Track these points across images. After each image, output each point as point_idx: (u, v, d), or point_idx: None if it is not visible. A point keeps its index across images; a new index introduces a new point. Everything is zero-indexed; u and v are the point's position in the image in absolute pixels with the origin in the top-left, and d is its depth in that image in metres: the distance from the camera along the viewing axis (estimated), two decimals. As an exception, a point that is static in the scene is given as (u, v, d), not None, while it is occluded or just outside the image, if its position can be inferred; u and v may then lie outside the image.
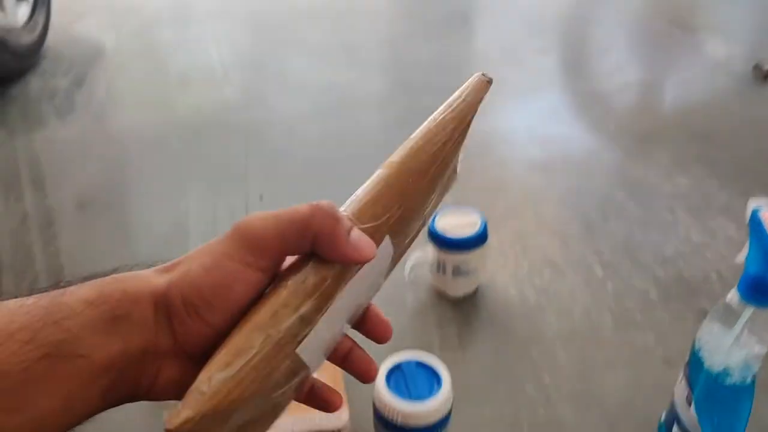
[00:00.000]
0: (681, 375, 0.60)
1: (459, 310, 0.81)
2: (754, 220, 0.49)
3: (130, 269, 0.33)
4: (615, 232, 0.92)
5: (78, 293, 0.30)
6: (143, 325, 0.31)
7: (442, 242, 0.77)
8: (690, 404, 0.58)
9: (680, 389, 0.60)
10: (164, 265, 0.33)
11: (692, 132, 1.15)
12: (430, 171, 0.38)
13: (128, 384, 0.31)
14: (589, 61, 1.43)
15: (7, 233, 0.94)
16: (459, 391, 0.65)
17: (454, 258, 0.77)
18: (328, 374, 0.65)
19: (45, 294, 0.30)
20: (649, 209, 0.96)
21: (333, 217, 0.33)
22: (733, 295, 0.52)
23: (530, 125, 1.17)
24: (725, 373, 0.54)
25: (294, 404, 0.62)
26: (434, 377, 0.62)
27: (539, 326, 0.79)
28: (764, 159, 1.07)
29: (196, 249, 0.34)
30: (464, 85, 0.40)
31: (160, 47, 1.48)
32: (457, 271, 0.79)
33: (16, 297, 0.30)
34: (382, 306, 0.83)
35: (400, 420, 0.60)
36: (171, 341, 0.31)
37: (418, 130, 0.39)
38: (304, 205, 0.33)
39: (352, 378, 0.71)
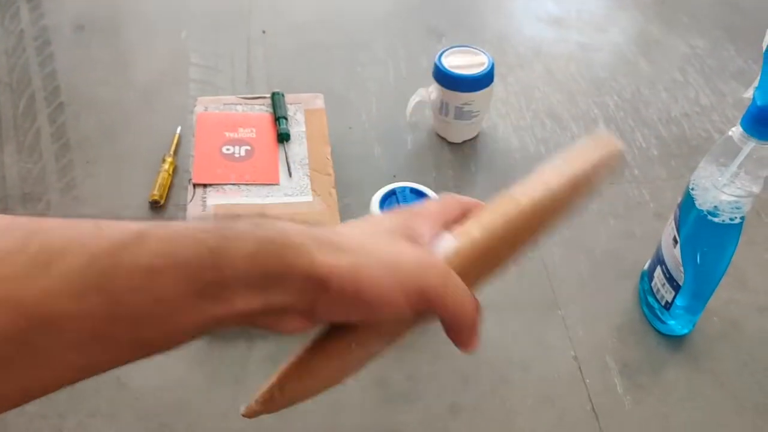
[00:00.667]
0: (671, 219, 0.61)
1: (458, 153, 0.81)
2: (770, 49, 0.48)
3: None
4: (623, 88, 0.90)
5: (242, 248, 0.28)
6: (289, 295, 0.29)
7: (447, 80, 0.75)
8: (675, 244, 0.59)
9: (667, 232, 0.61)
10: (328, 234, 0.31)
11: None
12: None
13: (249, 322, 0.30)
14: None
15: (2, 52, 0.92)
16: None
17: (458, 98, 0.76)
18: (326, 199, 0.66)
19: (211, 232, 0.28)
20: (661, 68, 0.94)
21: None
22: (735, 129, 0.51)
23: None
24: (715, 211, 0.55)
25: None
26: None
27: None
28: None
29: (365, 227, 0.34)
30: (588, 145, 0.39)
31: None
32: (460, 114, 0.78)
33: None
34: (381, 145, 0.83)
35: None
36: (309, 308, 0.30)
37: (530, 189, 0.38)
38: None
39: (348, 208, 0.72)
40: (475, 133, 0.82)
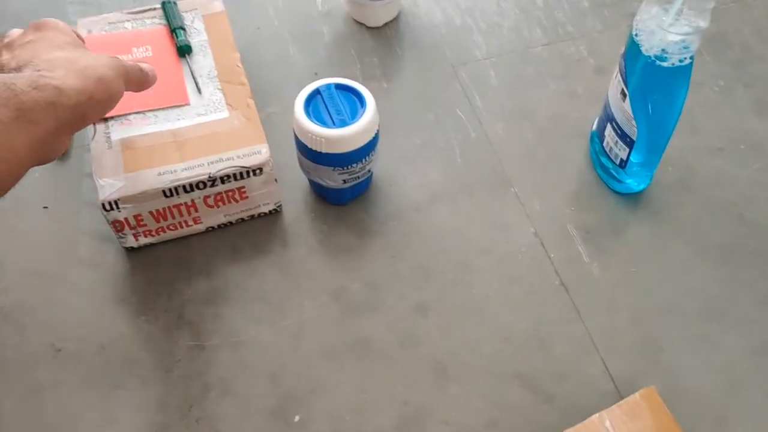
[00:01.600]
0: (615, 72, 0.57)
1: (380, 38, 0.74)
2: None
3: None
4: (544, -60, 0.83)
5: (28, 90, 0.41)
6: (66, 114, 0.44)
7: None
8: (624, 98, 0.55)
9: (614, 86, 0.57)
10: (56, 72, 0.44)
11: None
12: None
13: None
14: None
15: None
16: (386, 122, 0.61)
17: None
18: (245, 111, 0.59)
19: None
20: None
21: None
22: (675, -40, 0.46)
23: None
24: (663, 55, 0.51)
25: (209, 142, 0.57)
26: (356, 99, 0.57)
27: (467, 48, 0.73)
28: None
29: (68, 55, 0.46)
30: None
31: None
32: (375, -6, 0.71)
33: None
34: (295, 41, 0.75)
35: (324, 148, 0.56)
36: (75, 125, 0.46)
37: None
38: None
39: (271, 118, 0.66)
40: (395, 13, 0.75)
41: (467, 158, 0.64)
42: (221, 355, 0.53)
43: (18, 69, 0.43)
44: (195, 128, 0.58)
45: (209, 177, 0.55)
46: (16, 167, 0.41)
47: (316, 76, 0.70)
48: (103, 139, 0.57)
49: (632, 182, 0.60)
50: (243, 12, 0.76)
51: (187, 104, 0.59)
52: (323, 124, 0.55)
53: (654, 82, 0.53)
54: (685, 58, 0.51)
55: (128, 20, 0.66)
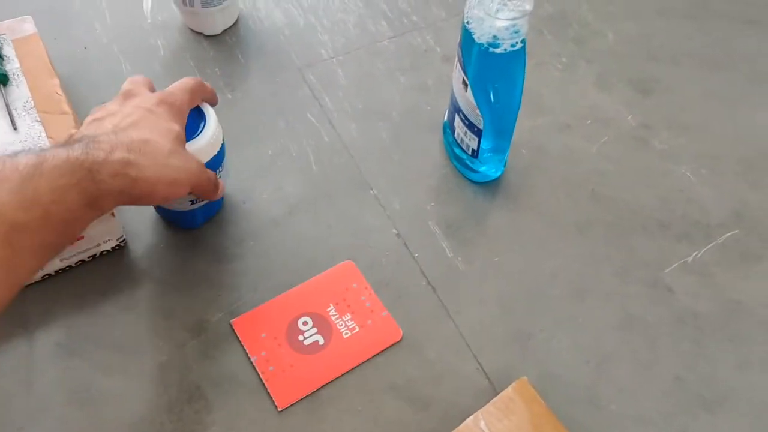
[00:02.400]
0: (455, 62, 0.56)
1: (220, 46, 0.70)
2: None
3: None
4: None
5: (105, 170, 0.42)
6: (124, 201, 0.45)
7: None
8: (466, 87, 0.54)
9: (456, 77, 0.56)
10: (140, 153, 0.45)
11: None
12: None
13: None
14: None
15: None
16: (233, 134, 0.58)
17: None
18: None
19: (82, 157, 0.41)
20: None
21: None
22: (490, -53, 0.45)
23: None
24: (495, 41, 0.50)
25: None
26: (196, 114, 0.53)
27: (313, 48, 0.71)
28: None
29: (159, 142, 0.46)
30: None
31: None
32: (207, 0, 0.67)
33: None
34: (128, 58, 0.70)
35: None
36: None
37: None
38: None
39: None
40: (234, 19, 0.72)
41: (323, 164, 0.62)
42: (71, 413, 0.48)
43: (111, 150, 0.43)
44: (12, 168, 0.52)
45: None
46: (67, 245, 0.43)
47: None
48: None
49: (487, 169, 0.60)
50: (65, 31, 0.70)
51: None
52: None
53: (491, 69, 0.52)
54: (517, 43, 0.51)
55: (-77, 54, 0.58)
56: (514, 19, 0.49)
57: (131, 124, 0.46)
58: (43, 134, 0.54)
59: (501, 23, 0.49)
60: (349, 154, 0.63)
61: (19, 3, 0.71)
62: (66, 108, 0.56)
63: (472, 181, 0.61)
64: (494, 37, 0.50)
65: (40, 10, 0.67)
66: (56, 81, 0.58)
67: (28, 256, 0.39)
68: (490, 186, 0.61)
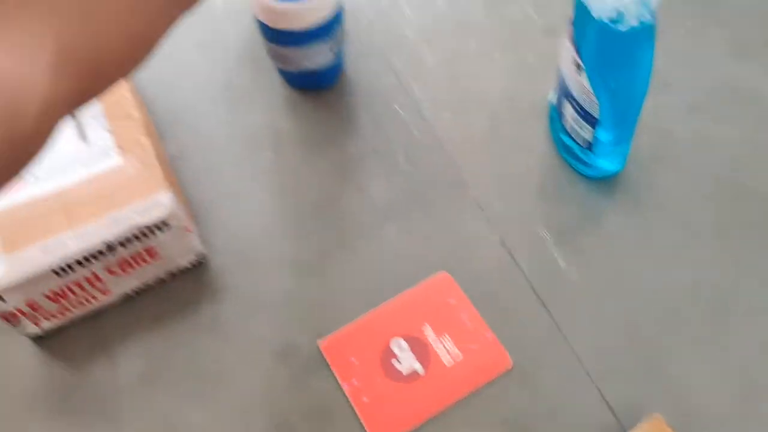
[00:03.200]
0: (564, 39, 0.48)
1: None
2: None
3: None
4: None
5: None
6: None
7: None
8: (580, 70, 0.46)
9: (565, 58, 0.48)
10: None
11: None
12: None
13: None
14: None
15: None
16: (313, 134, 0.52)
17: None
18: (138, 153, 0.50)
19: None
20: None
21: None
22: None
23: None
24: (618, 17, 0.42)
25: (101, 200, 0.48)
26: None
27: (397, 28, 0.63)
28: None
29: None
30: None
31: None
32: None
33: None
34: (201, 46, 0.64)
35: (314, 17, 0.52)
36: None
37: None
38: None
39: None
40: None
41: (414, 162, 0.56)
42: (155, 450, 0.45)
43: None
44: (83, 184, 0.48)
45: (105, 245, 0.46)
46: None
47: (228, 87, 0.61)
48: (-26, 215, 0.48)
49: (604, 164, 0.52)
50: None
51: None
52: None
53: (612, 50, 0.44)
54: (646, 17, 0.42)
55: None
56: (643, -11, 0.40)
57: None
58: (113, 144, 0.50)
59: (626, -5, 0.41)
60: (442, 149, 0.56)
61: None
62: (134, 112, 0.52)
63: (586, 177, 0.53)
64: (617, 11, 0.42)
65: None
66: (127, 83, 0.54)
67: None
68: (607, 182, 0.53)
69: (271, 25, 0.54)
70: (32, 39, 0.24)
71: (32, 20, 0.24)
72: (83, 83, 0.26)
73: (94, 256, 0.46)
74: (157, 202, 0.47)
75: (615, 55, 0.44)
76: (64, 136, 0.51)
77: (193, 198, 0.55)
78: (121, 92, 0.53)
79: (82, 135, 0.51)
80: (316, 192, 0.54)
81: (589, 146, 0.50)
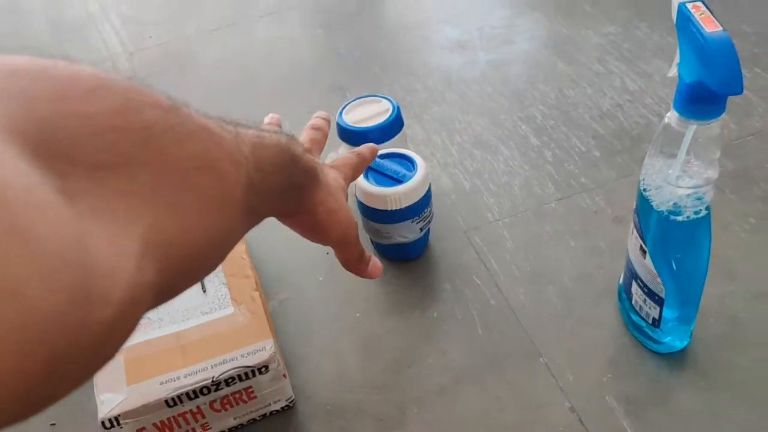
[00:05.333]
0: (631, 226, 0.54)
1: (390, 210, 0.73)
2: (682, 16, 0.41)
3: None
4: (545, 95, 0.84)
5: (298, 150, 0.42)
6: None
7: (353, 136, 0.68)
8: (645, 254, 0.52)
9: (632, 243, 0.54)
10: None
11: (614, -21, 1.06)
12: None
13: None
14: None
15: None
16: (400, 298, 0.58)
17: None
18: (250, 306, 0.57)
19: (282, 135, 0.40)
20: (579, 64, 0.88)
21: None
22: (671, 115, 0.44)
23: (438, 4, 1.07)
24: (676, 209, 0.48)
25: (213, 343, 0.55)
26: (403, 159, 0.64)
27: (479, 211, 0.71)
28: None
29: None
30: None
31: None
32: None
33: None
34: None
35: (402, 203, 0.61)
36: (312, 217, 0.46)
37: None
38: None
39: (284, 304, 0.64)
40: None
41: (489, 329, 0.60)
42: None
43: (305, 151, 0.44)
44: (199, 329, 0.56)
45: (213, 381, 0.52)
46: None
47: (328, 255, 0.69)
48: (106, 351, 0.55)
49: (671, 340, 0.55)
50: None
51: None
52: (391, 185, 0.61)
53: (672, 237, 0.49)
54: (701, 210, 0.48)
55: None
56: (696, 186, 0.47)
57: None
58: (228, 296, 0.58)
59: (682, 191, 0.47)
60: (516, 320, 0.61)
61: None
62: (249, 272, 0.61)
63: (654, 352, 0.56)
64: (675, 204, 0.48)
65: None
66: (243, 247, 0.63)
67: (245, 217, 0.33)
68: (675, 358, 0.55)
69: (367, 204, 0.63)
70: (126, 228, 0.23)
71: (129, 209, 0.24)
72: (167, 277, 0.26)
73: (202, 391, 0.52)
74: (260, 347, 0.54)
75: (675, 242, 0.50)
76: (189, 289, 0.59)
77: (288, 348, 0.61)
78: (239, 254, 0.62)
79: (203, 288, 0.59)
80: (399, 351, 0.60)
81: (656, 323, 0.54)
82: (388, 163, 0.64)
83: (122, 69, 1.02)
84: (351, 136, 0.68)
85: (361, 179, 0.62)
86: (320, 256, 0.69)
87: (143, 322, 0.57)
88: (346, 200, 0.48)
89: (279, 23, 1.09)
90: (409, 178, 0.62)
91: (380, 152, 0.64)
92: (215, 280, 0.60)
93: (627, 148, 0.75)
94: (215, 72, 1.00)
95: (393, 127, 0.68)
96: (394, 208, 0.62)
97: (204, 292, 0.59)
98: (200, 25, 1.10)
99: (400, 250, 0.66)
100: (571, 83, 0.85)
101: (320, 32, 1.05)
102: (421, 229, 0.65)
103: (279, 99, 0.92)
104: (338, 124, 0.69)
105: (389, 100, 0.70)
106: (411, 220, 0.63)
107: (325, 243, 0.49)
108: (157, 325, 0.57)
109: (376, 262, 0.52)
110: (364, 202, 0.63)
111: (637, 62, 0.87)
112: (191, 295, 0.59)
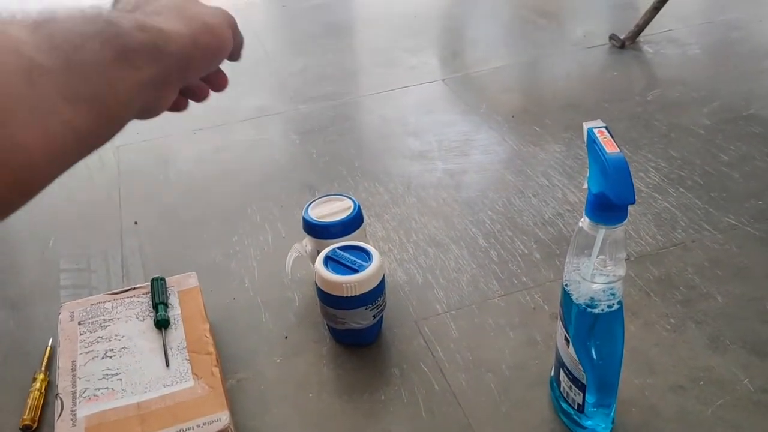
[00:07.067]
0: (558, 320, 0.60)
1: (347, 300, 0.79)
2: (590, 138, 0.50)
3: None
4: (494, 203, 0.93)
5: (128, 24, 0.36)
6: (170, 61, 0.38)
7: (316, 230, 0.75)
8: (568, 344, 0.58)
9: (559, 333, 0.60)
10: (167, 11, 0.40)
11: (562, 104, 1.18)
12: None
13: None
14: (461, 53, 1.46)
15: None
16: (350, 382, 0.62)
17: (331, 245, 0.75)
18: (209, 380, 0.62)
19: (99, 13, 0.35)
20: (526, 177, 0.98)
21: None
22: (583, 221, 0.52)
23: (405, 119, 1.17)
24: (592, 303, 0.54)
25: (172, 413, 0.59)
26: (360, 252, 0.71)
27: (429, 303, 0.78)
28: (628, 118, 1.11)
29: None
30: None
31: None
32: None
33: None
34: (268, 309, 0.79)
35: (357, 290, 0.67)
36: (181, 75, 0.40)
37: None
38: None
39: (242, 383, 0.69)
40: (361, 277, 0.82)
41: (431, 410, 0.65)
42: None
43: (134, 8, 0.40)
44: (160, 399, 0.60)
45: (167, 449, 0.56)
46: (117, 113, 0.35)
47: (286, 339, 0.74)
48: (69, 417, 0.58)
49: (593, 424, 0.60)
50: (221, 284, 0.82)
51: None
52: (348, 274, 0.67)
53: (590, 327, 0.56)
54: (614, 304, 0.54)
55: (109, 301, 0.71)
56: (609, 282, 0.54)
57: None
58: (189, 371, 0.62)
59: (597, 286, 0.54)
60: (457, 403, 0.65)
61: (190, 261, 0.85)
62: (210, 349, 0.65)
63: (580, 438, 0.61)
64: (591, 298, 0.54)
65: (205, 267, 0.81)
66: (207, 326, 0.68)
67: (60, 104, 0.31)
68: (599, 444, 0.60)
69: (325, 290, 0.69)
70: None
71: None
72: None
73: (157, 458, 0.55)
74: (216, 419, 0.58)
75: (593, 332, 0.56)
76: (151, 364, 0.63)
77: (242, 423, 0.64)
78: (203, 332, 0.67)
79: (167, 362, 0.64)
80: (347, 430, 0.63)
81: (581, 408, 0.59)
82: (346, 254, 0.70)
83: (107, 161, 1.09)
84: (315, 229, 0.75)
85: (320, 267, 0.68)
86: (279, 339, 0.74)
87: (107, 392, 0.61)
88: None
89: (258, 127, 1.19)
90: (365, 268, 0.68)
91: (340, 245, 0.71)
92: (179, 355, 0.64)
93: (564, 252, 0.82)
94: (195, 167, 1.08)
95: (353, 222, 0.75)
96: (349, 295, 0.67)
97: (167, 366, 0.63)
98: (184, 126, 1.19)
99: (354, 335, 0.71)
100: (518, 193, 0.94)
101: (295, 137, 1.15)
102: (374, 317, 0.70)
103: (253, 193, 0.99)
104: (304, 218, 0.76)
105: (351, 198, 0.78)
106: (365, 307, 0.69)
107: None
108: (120, 395, 0.61)
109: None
110: (323, 289, 0.69)
111: (577, 177, 0.97)
112: (154, 367, 0.63)
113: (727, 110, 1.11)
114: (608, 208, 0.50)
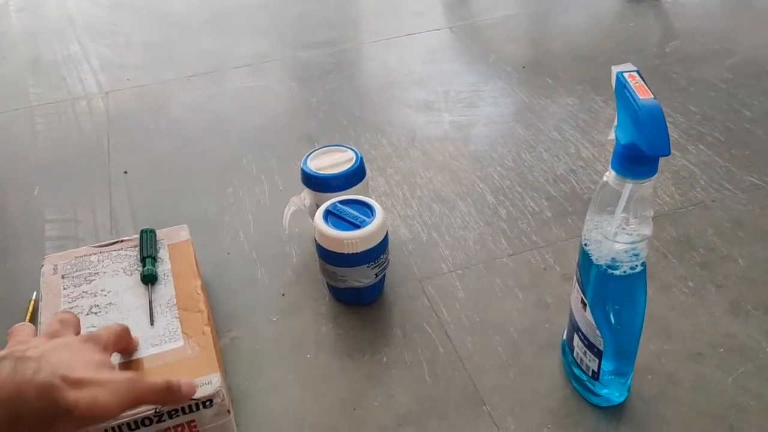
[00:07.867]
0: (574, 281, 0.56)
1: (347, 257, 0.75)
2: (620, 83, 0.45)
3: None
4: (503, 157, 0.88)
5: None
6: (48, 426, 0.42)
7: (316, 182, 0.70)
8: (585, 307, 0.54)
9: (574, 296, 0.56)
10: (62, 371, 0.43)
11: (574, 55, 1.12)
12: None
13: None
14: (468, 0, 1.39)
15: None
16: (350, 341, 0.59)
17: (331, 199, 0.71)
18: (199, 339, 0.58)
19: None
20: (537, 131, 0.93)
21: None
22: (609, 174, 0.48)
23: (409, 67, 1.12)
24: (614, 264, 0.50)
25: (159, 374, 0.55)
26: (362, 206, 0.66)
27: (434, 262, 0.74)
28: (645, 71, 1.06)
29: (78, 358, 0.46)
30: None
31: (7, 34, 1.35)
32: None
33: None
34: (264, 264, 0.75)
35: (359, 247, 0.63)
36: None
37: None
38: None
39: (236, 342, 0.65)
40: (362, 232, 0.77)
41: (436, 375, 0.61)
42: None
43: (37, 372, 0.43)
44: (146, 360, 0.56)
45: (156, 413, 0.52)
46: None
47: (284, 296, 0.70)
48: (50, 376, 0.55)
49: (609, 393, 0.57)
50: (214, 238, 0.78)
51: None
52: (349, 230, 0.63)
53: (610, 290, 0.52)
54: (637, 266, 0.50)
55: (95, 253, 0.67)
56: (633, 242, 0.49)
57: (53, 350, 0.45)
58: (179, 330, 0.59)
59: (620, 246, 0.50)
60: (463, 367, 0.62)
61: (181, 213, 0.81)
62: (202, 307, 0.61)
63: (594, 405, 0.57)
64: (613, 259, 0.50)
65: (197, 220, 0.77)
66: (198, 282, 0.64)
67: None
68: (613, 412, 0.57)
69: (325, 246, 0.65)
70: None
71: None
72: None
73: (144, 422, 0.52)
74: (207, 381, 0.54)
75: (613, 295, 0.52)
76: (137, 321, 0.59)
77: (235, 385, 0.61)
78: (194, 289, 0.63)
79: (152, 321, 0.60)
80: (347, 393, 0.60)
81: (595, 375, 0.56)
82: (347, 209, 0.66)
83: (96, 108, 1.04)
84: (314, 181, 0.70)
85: (320, 222, 0.64)
86: (276, 296, 0.70)
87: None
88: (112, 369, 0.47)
89: (255, 74, 1.13)
90: (367, 224, 0.64)
91: (341, 198, 0.66)
92: (168, 313, 0.60)
93: (577, 210, 0.79)
94: (189, 115, 1.03)
95: (355, 175, 0.71)
96: (350, 252, 0.63)
97: (152, 325, 0.59)
98: (178, 72, 1.13)
99: (355, 294, 0.67)
100: (528, 148, 0.90)
101: (294, 85, 1.09)
102: (377, 275, 0.66)
103: (249, 143, 0.94)
104: (302, 170, 0.71)
105: (353, 150, 0.73)
106: (367, 265, 0.65)
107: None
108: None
109: (187, 381, 0.50)
110: (322, 245, 0.65)
111: (591, 132, 0.92)
112: (142, 326, 0.59)
113: (751, 63, 1.05)
114: (639, 160, 0.45)
